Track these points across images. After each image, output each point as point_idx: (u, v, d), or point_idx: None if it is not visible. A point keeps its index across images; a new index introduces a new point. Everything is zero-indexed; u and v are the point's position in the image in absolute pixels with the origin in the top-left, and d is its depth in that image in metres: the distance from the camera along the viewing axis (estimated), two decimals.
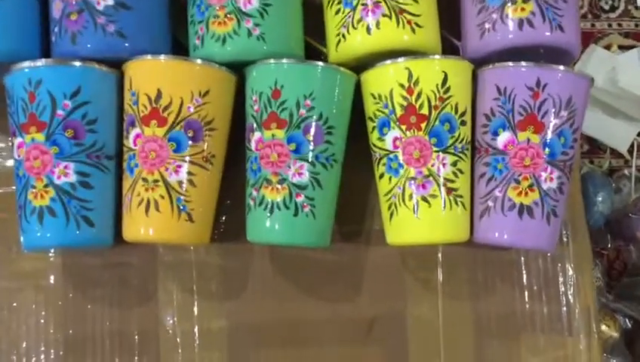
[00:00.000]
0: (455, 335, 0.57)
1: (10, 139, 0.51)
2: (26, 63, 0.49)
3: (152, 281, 0.56)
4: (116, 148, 0.52)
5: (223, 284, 0.56)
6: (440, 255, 0.58)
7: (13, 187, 0.55)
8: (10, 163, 0.57)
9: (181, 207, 0.50)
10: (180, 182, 0.50)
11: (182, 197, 0.50)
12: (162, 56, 0.50)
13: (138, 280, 0.56)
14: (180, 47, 0.55)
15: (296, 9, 0.54)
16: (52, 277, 0.55)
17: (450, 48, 0.59)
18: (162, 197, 0.49)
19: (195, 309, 0.56)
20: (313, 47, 0.58)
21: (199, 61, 0.51)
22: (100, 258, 0.56)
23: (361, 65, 0.54)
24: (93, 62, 0.51)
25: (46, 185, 0.49)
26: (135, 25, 0.51)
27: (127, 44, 0.50)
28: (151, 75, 0.50)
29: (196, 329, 0.55)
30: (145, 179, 0.49)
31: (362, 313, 0.56)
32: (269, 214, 0.50)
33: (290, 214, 0.50)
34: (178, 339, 0.55)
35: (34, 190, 0.49)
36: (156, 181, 0.49)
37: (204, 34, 0.51)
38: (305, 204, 0.50)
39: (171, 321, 0.55)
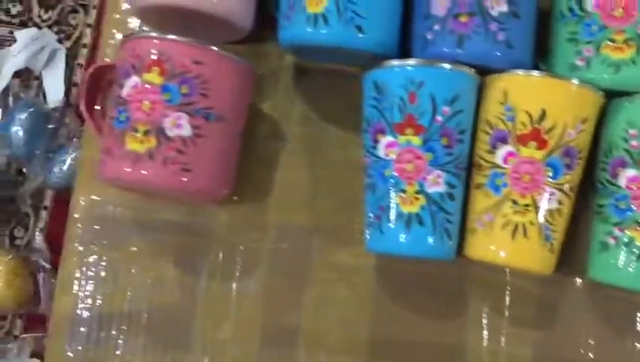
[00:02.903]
0: None
1: (370, 135, 0.49)
2: (411, 61, 0.47)
3: (461, 297, 0.54)
4: (468, 161, 0.50)
5: (536, 312, 0.54)
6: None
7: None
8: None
9: (547, 236, 0.48)
10: (551, 211, 0.48)
11: (550, 226, 0.47)
12: (551, 75, 0.48)
13: (447, 293, 0.54)
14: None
15: None
16: (365, 276, 0.53)
17: None
18: (532, 223, 0.47)
19: (504, 333, 0.55)
20: None
21: (589, 86, 0.47)
22: (413, 265, 0.54)
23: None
24: (471, 68, 0.49)
25: (417, 192, 0.47)
26: (521, 35, 0.48)
27: (513, 55, 0.48)
28: (536, 92, 0.47)
29: (504, 353, 0.54)
30: (515, 202, 0.47)
31: None
32: (634, 260, 0.48)
33: None
34: (484, 360, 0.54)
35: (403, 194, 0.47)
36: (527, 206, 0.47)
37: (592, 56, 0.48)
38: None
39: (478, 341, 0.54)
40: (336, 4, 0.46)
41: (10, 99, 0.86)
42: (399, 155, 0.47)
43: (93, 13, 0.84)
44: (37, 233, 0.83)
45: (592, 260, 0.50)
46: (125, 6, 0.57)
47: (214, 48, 0.45)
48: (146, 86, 0.44)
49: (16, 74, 0.85)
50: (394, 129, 0.47)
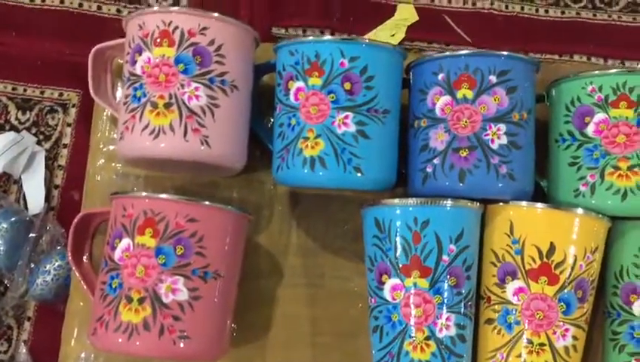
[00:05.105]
0: None
1: (375, 275, 0.46)
2: (412, 200, 0.45)
3: None
4: (476, 294, 0.48)
5: None
6: None
7: None
8: None
9: None
10: (566, 348, 0.46)
11: None
12: (556, 207, 0.47)
13: None
14: None
15: None
16: None
17: None
18: None
19: None
20: None
21: (597, 215, 0.47)
22: None
23: None
24: (474, 202, 0.47)
25: (427, 338, 0.45)
26: (523, 165, 0.47)
27: (516, 185, 0.46)
28: (543, 225, 0.46)
29: None
30: (529, 341, 0.45)
31: None
32: None
33: None
34: None
35: (413, 341, 0.45)
36: (542, 345, 0.45)
37: (596, 182, 0.47)
38: None
39: None
40: (333, 147, 0.45)
41: None
42: (406, 299, 0.45)
43: (73, 112, 0.82)
44: (21, 346, 0.79)
45: None
46: (109, 147, 0.55)
47: (208, 203, 0.43)
48: (139, 249, 0.42)
49: None
50: (399, 271, 0.46)
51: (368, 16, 0.71)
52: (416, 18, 0.71)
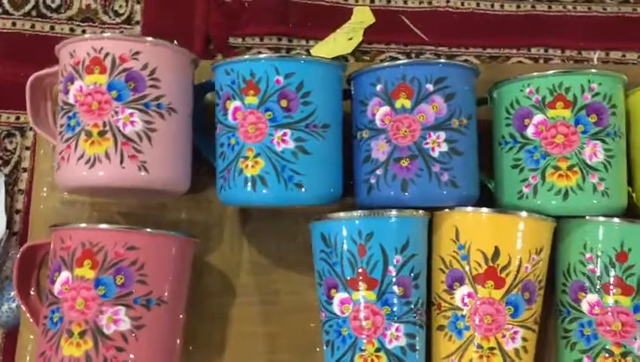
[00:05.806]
0: None
1: (324, 289, 0.47)
2: (357, 213, 0.45)
3: None
4: (427, 301, 0.48)
5: None
6: None
7: None
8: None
9: None
10: (516, 351, 0.46)
11: None
12: (500, 211, 0.47)
13: None
14: None
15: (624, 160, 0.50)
16: None
17: None
18: None
19: None
20: None
21: (539, 216, 0.47)
22: None
23: None
24: (419, 211, 0.47)
25: (377, 350, 0.45)
26: (465, 171, 0.47)
27: (459, 192, 0.46)
28: (487, 230, 0.46)
29: None
30: (479, 346, 0.46)
31: None
32: None
33: None
34: None
35: (364, 353, 0.45)
36: (492, 349, 0.46)
37: (538, 184, 0.48)
38: None
39: None
40: (273, 165, 0.45)
41: None
42: (355, 312, 0.45)
43: (31, 135, 0.81)
44: None
45: None
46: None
47: (148, 230, 0.43)
48: (79, 282, 0.41)
49: None
50: (347, 284, 0.45)
51: (325, 21, 0.71)
52: (373, 20, 0.71)
